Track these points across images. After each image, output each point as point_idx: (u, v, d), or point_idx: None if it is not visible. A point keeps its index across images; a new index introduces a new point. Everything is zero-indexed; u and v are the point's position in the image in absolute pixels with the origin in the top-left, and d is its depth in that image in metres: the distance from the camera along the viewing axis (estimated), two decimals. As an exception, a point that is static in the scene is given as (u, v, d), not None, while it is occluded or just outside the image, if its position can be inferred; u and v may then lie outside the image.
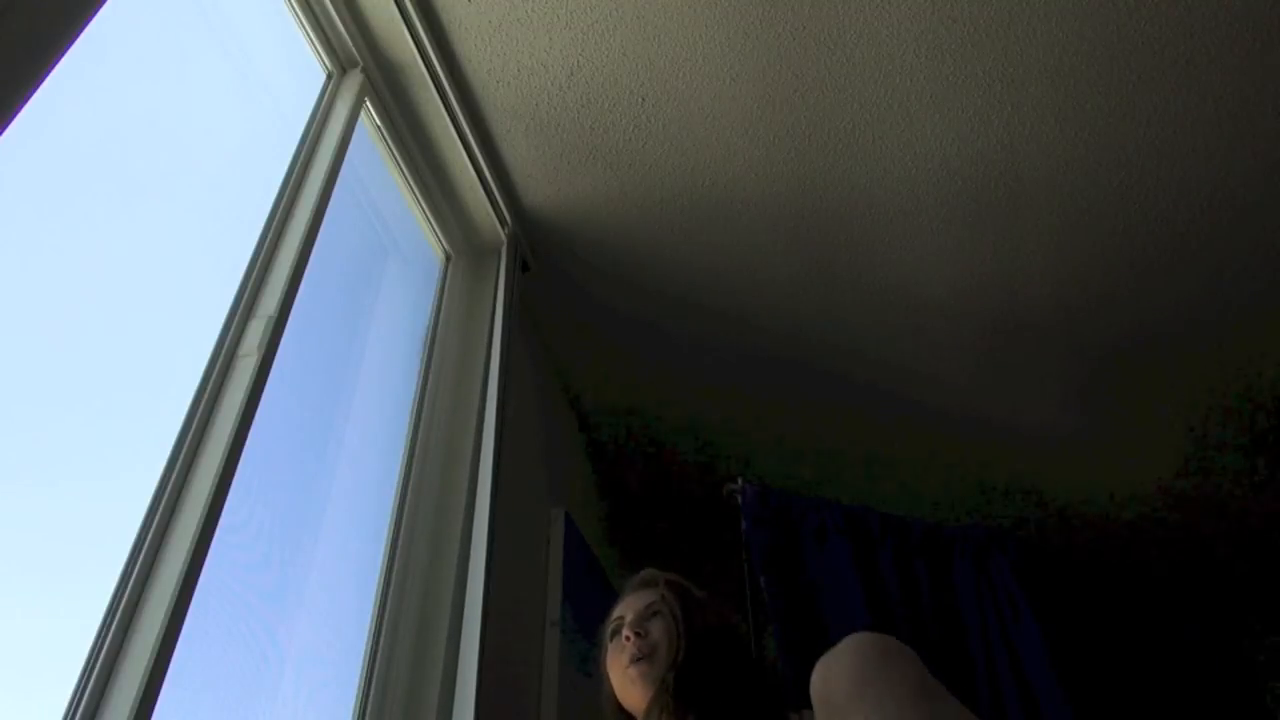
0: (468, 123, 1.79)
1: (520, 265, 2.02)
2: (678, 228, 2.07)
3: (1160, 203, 1.96)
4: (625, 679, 1.22)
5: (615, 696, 1.25)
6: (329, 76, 1.60)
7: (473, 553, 1.44)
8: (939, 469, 2.83)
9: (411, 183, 1.85)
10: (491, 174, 1.90)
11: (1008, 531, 2.52)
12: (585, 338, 2.40)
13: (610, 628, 1.31)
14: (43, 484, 0.91)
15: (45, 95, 0.82)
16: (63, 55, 0.86)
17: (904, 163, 1.90)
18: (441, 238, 1.99)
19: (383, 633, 1.38)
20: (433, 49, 1.64)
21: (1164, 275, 2.13)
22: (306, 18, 1.53)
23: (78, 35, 0.88)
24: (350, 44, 1.59)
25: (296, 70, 1.55)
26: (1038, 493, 2.92)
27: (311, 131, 1.47)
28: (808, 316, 2.31)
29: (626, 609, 1.30)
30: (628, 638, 1.23)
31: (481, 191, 1.90)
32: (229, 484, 1.02)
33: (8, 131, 0.77)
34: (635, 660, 1.20)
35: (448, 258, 2.01)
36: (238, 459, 1.04)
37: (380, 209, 1.80)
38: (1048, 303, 2.23)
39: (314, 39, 1.56)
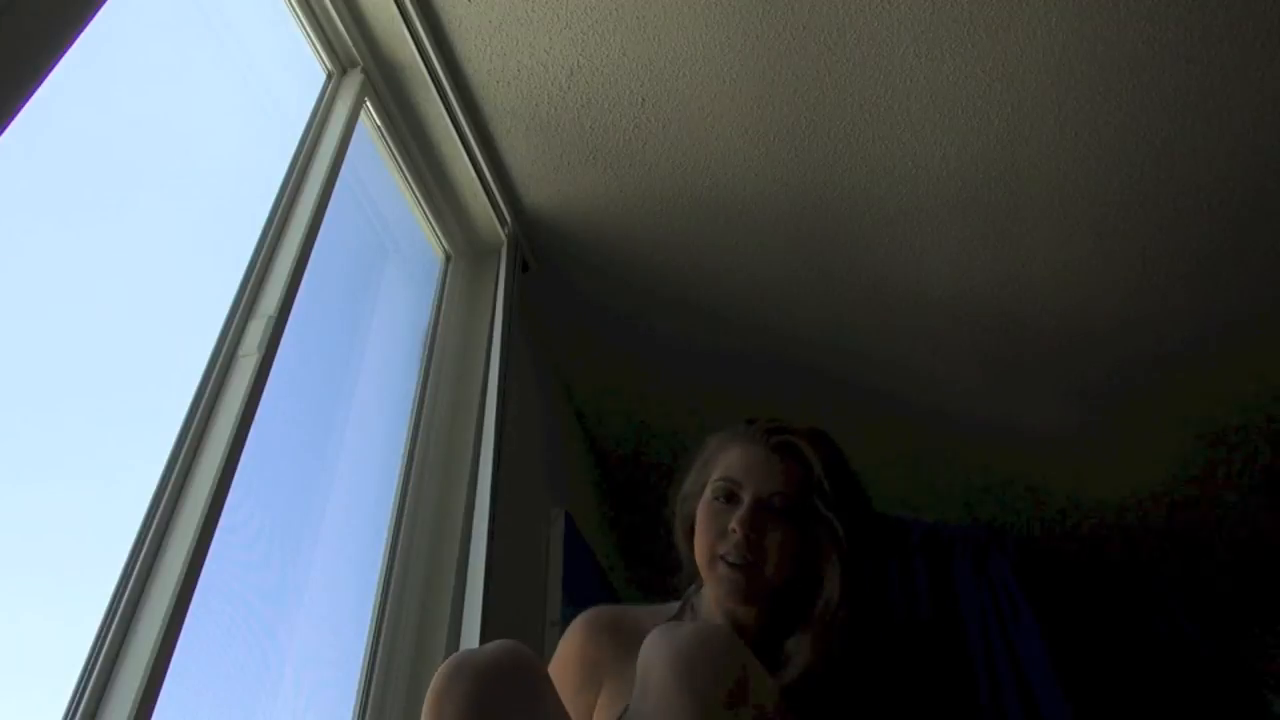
0: (468, 123, 1.79)
1: (520, 265, 2.02)
2: (678, 228, 2.06)
3: (1161, 203, 1.96)
4: (710, 564, 1.00)
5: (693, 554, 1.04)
6: (329, 77, 1.60)
7: (472, 553, 1.44)
8: (939, 469, 2.83)
9: (411, 183, 1.85)
10: (491, 174, 1.90)
11: (1008, 531, 2.52)
12: (585, 337, 2.40)
13: (717, 487, 1.03)
14: (43, 484, 0.91)
15: (45, 95, 0.82)
16: (63, 55, 0.86)
17: (904, 163, 1.90)
18: (441, 238, 1.99)
19: (383, 633, 1.38)
20: (433, 49, 1.64)
21: (1165, 275, 2.13)
22: (306, 18, 1.53)
23: (78, 35, 0.88)
24: (350, 44, 1.59)
25: (296, 70, 1.55)
26: (1038, 493, 2.92)
27: (311, 132, 1.47)
28: (807, 316, 2.31)
29: (748, 478, 1.02)
30: (734, 529, 0.98)
31: (481, 191, 1.90)
32: (229, 484, 1.02)
33: (8, 131, 0.77)
34: (733, 564, 0.98)
35: (448, 258, 2.01)
36: (238, 459, 1.04)
37: (380, 209, 1.80)
38: (1048, 302, 2.23)
39: (314, 39, 1.56)
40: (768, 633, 1.00)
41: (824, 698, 0.94)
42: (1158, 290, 2.17)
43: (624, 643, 0.99)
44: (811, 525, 1.00)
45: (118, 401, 1.02)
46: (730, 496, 1.02)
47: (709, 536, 1.01)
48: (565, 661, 1.06)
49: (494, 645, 0.78)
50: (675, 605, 1.10)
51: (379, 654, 1.36)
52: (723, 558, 0.98)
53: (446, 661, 0.76)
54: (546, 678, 0.81)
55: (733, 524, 0.99)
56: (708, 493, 1.04)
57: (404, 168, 1.82)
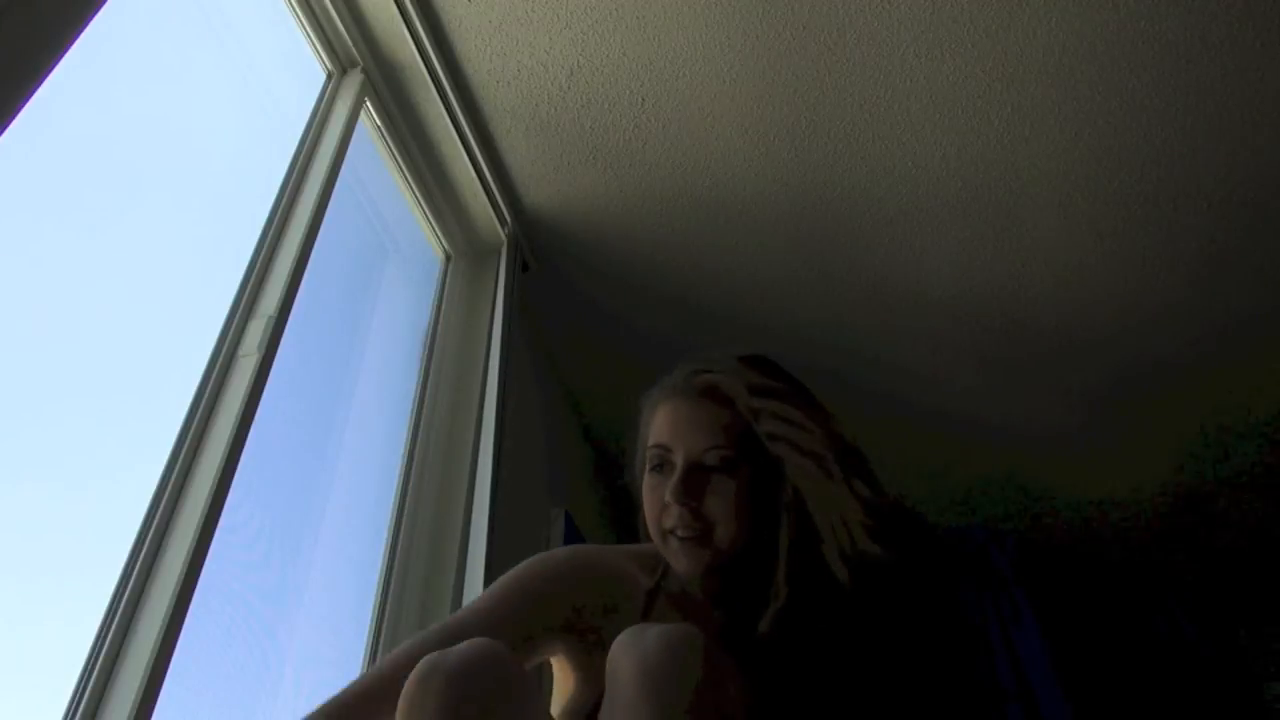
0: (468, 123, 1.79)
1: (520, 265, 2.02)
2: (678, 228, 2.06)
3: (1161, 203, 1.96)
4: (661, 540, 0.93)
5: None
6: (329, 76, 1.60)
7: (472, 553, 1.44)
8: (939, 469, 2.83)
9: (411, 183, 1.85)
10: (491, 174, 1.90)
11: (1008, 531, 2.52)
12: (585, 337, 2.40)
13: (650, 456, 0.95)
14: (43, 484, 0.91)
15: (45, 95, 0.82)
16: (63, 55, 0.86)
17: (904, 163, 1.90)
18: (441, 238, 1.99)
19: (383, 633, 1.38)
20: (433, 49, 1.64)
21: (1165, 275, 2.13)
22: (306, 18, 1.53)
23: (78, 35, 0.88)
24: (350, 44, 1.59)
25: (296, 70, 1.55)
26: (1038, 493, 2.92)
27: (311, 132, 1.47)
28: (807, 316, 2.30)
29: (676, 440, 0.92)
30: (669, 503, 0.90)
31: (481, 191, 1.90)
32: (229, 484, 1.02)
33: (8, 131, 0.77)
34: (682, 539, 0.90)
35: (448, 258, 2.01)
36: (238, 459, 1.04)
37: (380, 209, 1.80)
38: (1048, 302, 2.23)
39: (314, 39, 1.56)
40: (755, 597, 0.92)
41: (798, 669, 0.87)
42: (1158, 290, 2.17)
43: (606, 598, 0.93)
44: (766, 464, 0.90)
45: (118, 401, 1.02)
46: (664, 464, 0.93)
47: (653, 512, 0.93)
48: (526, 585, 0.94)
49: (465, 645, 0.76)
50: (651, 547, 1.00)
51: (379, 654, 1.36)
52: (672, 533, 0.91)
53: (418, 666, 0.75)
54: (522, 673, 0.79)
55: (666, 496, 0.90)
56: (646, 464, 0.96)
57: (404, 168, 1.82)
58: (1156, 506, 2.94)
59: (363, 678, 0.84)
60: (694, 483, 0.90)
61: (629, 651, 0.75)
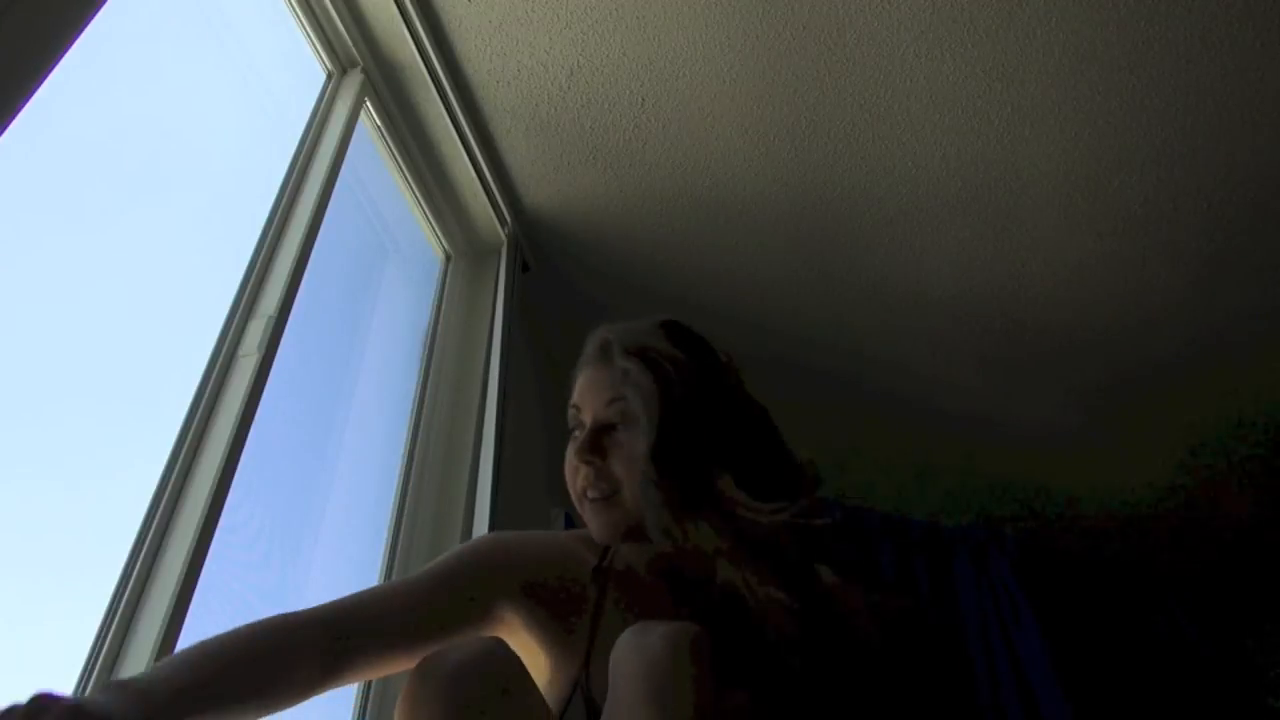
0: (468, 123, 1.79)
1: (520, 265, 2.02)
2: (678, 228, 2.07)
3: (1160, 203, 1.96)
4: (579, 505, 0.91)
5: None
6: (329, 77, 1.60)
7: (473, 553, 1.44)
8: (939, 469, 2.83)
9: (411, 183, 1.85)
10: (491, 174, 1.90)
11: (1008, 531, 2.52)
12: (585, 337, 2.39)
13: (569, 418, 0.94)
14: (44, 484, 0.91)
15: (45, 95, 0.82)
16: (63, 55, 0.86)
17: (904, 162, 1.90)
18: (441, 238, 1.99)
19: (383, 633, 1.38)
20: (433, 49, 1.64)
21: (1165, 276, 2.13)
22: (306, 18, 1.54)
23: (78, 35, 0.88)
24: (350, 44, 1.59)
25: (296, 70, 1.55)
26: (1038, 493, 2.92)
27: (311, 131, 1.47)
28: (808, 316, 2.31)
29: (584, 399, 0.91)
30: (576, 465, 0.89)
31: (481, 192, 1.90)
32: (229, 484, 1.02)
33: (8, 131, 0.77)
34: (592, 500, 0.89)
35: (448, 258, 2.01)
36: (238, 459, 1.04)
37: (380, 209, 1.80)
38: (1048, 302, 2.23)
39: (314, 39, 1.56)
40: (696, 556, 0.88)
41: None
42: (1157, 291, 2.17)
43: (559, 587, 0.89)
44: None
45: (118, 401, 1.02)
46: (578, 427, 0.92)
47: (570, 477, 0.91)
48: (466, 555, 0.92)
49: (463, 644, 0.76)
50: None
51: (379, 654, 1.35)
52: (585, 495, 0.89)
53: (419, 664, 0.74)
54: (523, 670, 0.79)
55: (573, 457, 0.89)
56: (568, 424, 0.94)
57: (404, 168, 1.82)
58: (1156, 506, 2.94)
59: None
60: (595, 441, 0.88)
61: (631, 652, 0.74)
